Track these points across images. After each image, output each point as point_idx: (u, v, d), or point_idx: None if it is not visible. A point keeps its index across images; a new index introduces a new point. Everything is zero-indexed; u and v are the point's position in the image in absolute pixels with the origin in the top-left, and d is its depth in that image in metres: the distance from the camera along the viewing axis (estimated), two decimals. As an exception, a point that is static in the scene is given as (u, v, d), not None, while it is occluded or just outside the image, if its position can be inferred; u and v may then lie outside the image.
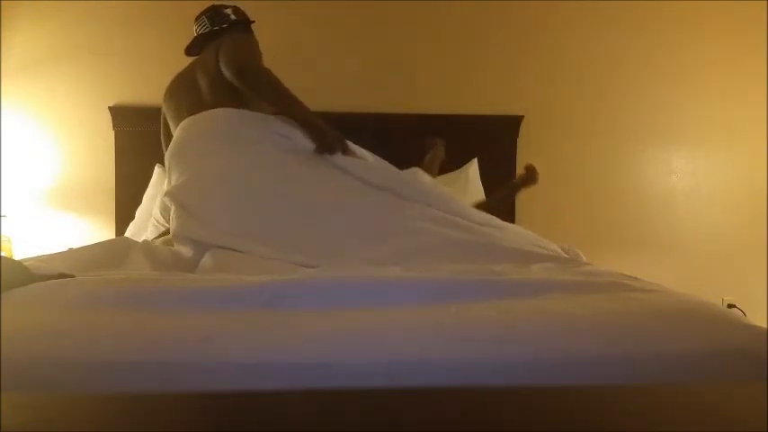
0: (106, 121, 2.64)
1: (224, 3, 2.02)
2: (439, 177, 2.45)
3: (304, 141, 1.73)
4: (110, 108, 2.64)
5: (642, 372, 0.83)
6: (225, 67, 1.74)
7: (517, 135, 2.75)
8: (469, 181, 2.51)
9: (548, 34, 2.81)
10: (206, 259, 1.48)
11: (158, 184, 2.41)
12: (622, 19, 2.81)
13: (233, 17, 1.98)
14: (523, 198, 2.71)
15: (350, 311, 0.94)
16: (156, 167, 2.51)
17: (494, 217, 1.79)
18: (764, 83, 2.79)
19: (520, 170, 2.73)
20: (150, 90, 2.72)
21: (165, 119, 2.00)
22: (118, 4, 2.67)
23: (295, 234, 1.54)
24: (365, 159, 1.79)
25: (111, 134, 2.65)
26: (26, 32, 2.67)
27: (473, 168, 2.56)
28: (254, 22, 2.05)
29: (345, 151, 1.74)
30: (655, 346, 0.86)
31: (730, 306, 2.56)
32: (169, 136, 1.92)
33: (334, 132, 1.73)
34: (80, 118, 2.68)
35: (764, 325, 0.93)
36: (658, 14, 2.81)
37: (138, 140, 2.63)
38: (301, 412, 0.60)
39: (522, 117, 2.74)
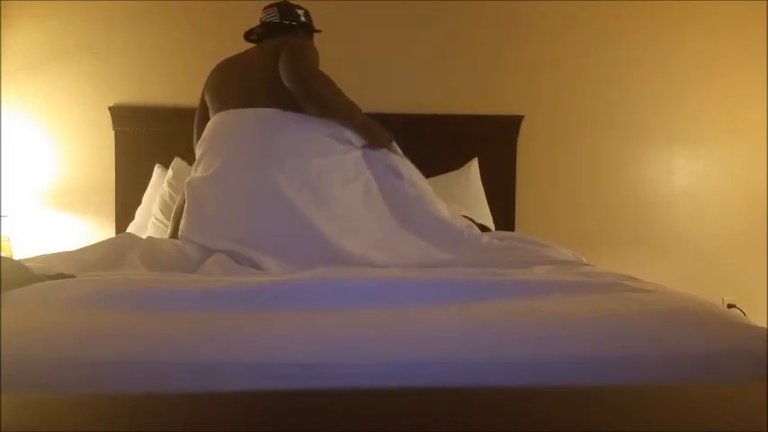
0: (106, 120, 2.64)
1: (298, 2, 1.99)
2: (440, 177, 2.44)
3: (353, 140, 1.76)
4: (110, 108, 2.64)
5: (642, 372, 0.83)
6: (285, 76, 1.69)
7: (517, 135, 2.75)
8: (470, 181, 2.51)
9: (548, 34, 2.81)
10: (209, 262, 1.47)
11: (158, 185, 2.41)
12: (622, 19, 2.81)
13: (303, 19, 1.95)
14: (524, 198, 2.71)
15: (350, 312, 0.94)
16: (155, 167, 2.51)
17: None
18: (764, 83, 2.78)
19: (520, 170, 2.74)
20: (150, 90, 2.72)
21: (203, 100, 1.93)
22: (118, 3, 2.67)
23: (306, 250, 1.53)
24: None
25: (111, 134, 2.65)
26: (26, 32, 2.67)
27: (474, 168, 2.56)
28: (320, 31, 2.03)
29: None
30: (655, 346, 0.86)
31: (730, 306, 2.55)
32: (205, 118, 1.87)
33: (386, 135, 1.84)
34: (80, 118, 2.67)
35: (764, 325, 0.93)
36: (658, 14, 2.80)
37: (138, 140, 2.63)
38: (301, 412, 0.60)
39: (523, 117, 2.74)
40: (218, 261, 1.47)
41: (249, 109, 1.71)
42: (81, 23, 2.67)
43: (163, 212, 2.22)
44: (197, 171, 1.73)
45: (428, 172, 2.45)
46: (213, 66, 1.96)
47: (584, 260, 1.61)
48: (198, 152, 1.77)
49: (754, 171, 2.81)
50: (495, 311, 0.95)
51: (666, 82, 2.81)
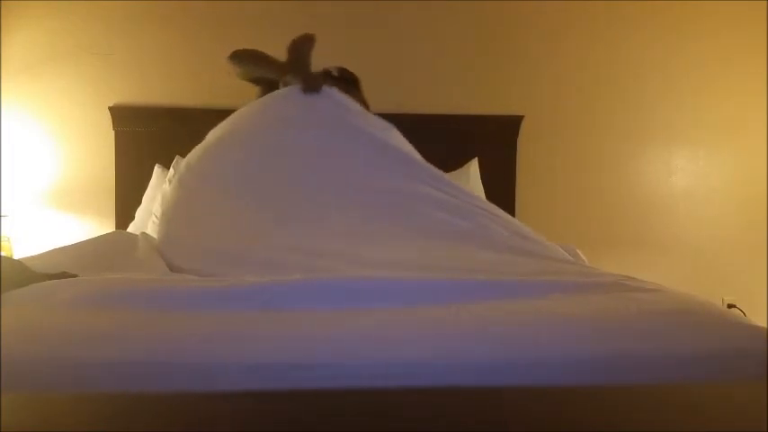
0: (106, 121, 2.64)
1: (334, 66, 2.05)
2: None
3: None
4: (110, 108, 2.64)
5: (642, 372, 0.83)
6: None
7: (517, 135, 2.75)
8: (470, 181, 2.50)
9: (548, 34, 2.81)
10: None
11: (158, 185, 2.41)
12: (622, 18, 2.81)
13: (335, 74, 2.01)
14: (524, 198, 2.71)
15: (350, 312, 0.94)
16: (155, 167, 2.51)
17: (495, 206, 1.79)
18: (764, 82, 2.78)
19: (520, 170, 2.74)
20: (150, 90, 2.72)
21: None
22: (118, 3, 2.66)
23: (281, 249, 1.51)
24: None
25: (111, 134, 2.65)
26: (26, 32, 2.67)
27: (474, 168, 2.56)
28: (358, 80, 2.06)
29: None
30: (655, 346, 0.86)
31: (730, 306, 2.55)
32: None
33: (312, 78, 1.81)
34: (80, 118, 2.67)
35: (764, 325, 0.93)
36: (659, 14, 2.80)
37: (138, 140, 2.63)
38: (301, 412, 0.60)
39: (522, 117, 2.74)
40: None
41: None
42: (81, 23, 2.67)
43: (163, 211, 2.21)
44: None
45: (428, 172, 2.45)
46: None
47: (583, 257, 1.61)
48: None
49: (753, 171, 2.81)
50: (495, 311, 0.95)
51: (666, 82, 2.81)
